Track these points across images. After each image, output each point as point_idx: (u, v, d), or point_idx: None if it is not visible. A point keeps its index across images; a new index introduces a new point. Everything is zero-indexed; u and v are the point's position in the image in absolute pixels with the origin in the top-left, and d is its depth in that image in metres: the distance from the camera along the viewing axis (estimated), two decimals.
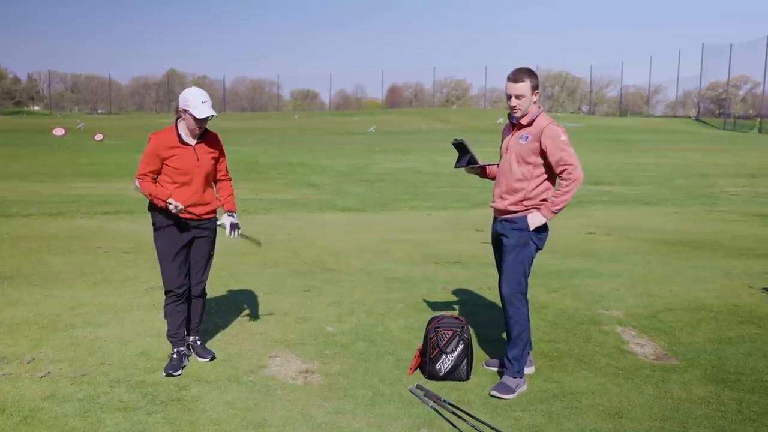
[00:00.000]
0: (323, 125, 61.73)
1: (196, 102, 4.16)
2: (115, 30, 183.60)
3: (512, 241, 4.14)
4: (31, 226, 9.72)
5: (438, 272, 7.13)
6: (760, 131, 57.55)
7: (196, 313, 4.57)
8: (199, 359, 4.49)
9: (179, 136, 4.25)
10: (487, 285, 6.49)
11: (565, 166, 4.01)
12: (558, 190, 4.08)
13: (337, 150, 31.25)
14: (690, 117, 76.05)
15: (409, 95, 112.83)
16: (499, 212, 4.27)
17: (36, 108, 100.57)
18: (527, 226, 4.10)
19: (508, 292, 4.16)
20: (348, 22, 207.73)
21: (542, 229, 4.16)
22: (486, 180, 4.59)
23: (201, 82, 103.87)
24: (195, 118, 4.17)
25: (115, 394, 3.92)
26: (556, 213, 4.09)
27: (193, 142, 4.28)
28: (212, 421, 3.63)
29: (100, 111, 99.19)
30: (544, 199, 4.14)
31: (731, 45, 67.84)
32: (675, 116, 77.46)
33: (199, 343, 4.60)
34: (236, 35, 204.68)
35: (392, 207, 13.00)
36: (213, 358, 4.50)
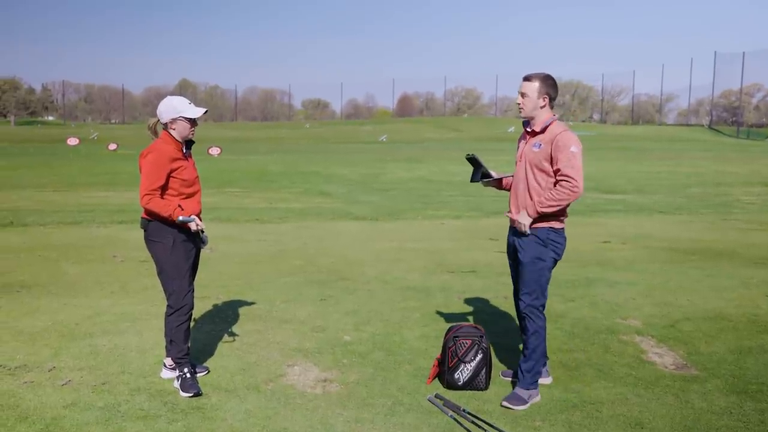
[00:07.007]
0: (334, 134, 61.95)
1: (184, 106, 4.15)
2: (129, 40, 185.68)
3: (529, 253, 4.10)
4: (47, 236, 9.80)
5: (453, 281, 7.12)
6: None
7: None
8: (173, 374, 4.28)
9: (181, 147, 4.18)
10: (502, 294, 6.47)
11: (566, 178, 3.92)
12: (552, 193, 3.96)
13: (348, 159, 31.33)
14: (703, 125, 75.67)
15: (420, 104, 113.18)
16: (515, 222, 4.26)
17: (50, 118, 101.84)
18: (545, 237, 4.08)
19: (525, 305, 4.14)
20: (359, 32, 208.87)
21: (559, 240, 4.13)
22: (502, 190, 4.57)
23: (213, 92, 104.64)
24: (190, 120, 4.14)
25: (135, 402, 3.94)
26: (540, 214, 4.00)
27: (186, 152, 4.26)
28: (233, 429, 3.64)
29: (113, 121, 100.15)
30: (563, 210, 4.10)
31: (744, 53, 67.82)
32: (688, 125, 77.13)
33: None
34: (248, 45, 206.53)
35: (405, 216, 13.00)
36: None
